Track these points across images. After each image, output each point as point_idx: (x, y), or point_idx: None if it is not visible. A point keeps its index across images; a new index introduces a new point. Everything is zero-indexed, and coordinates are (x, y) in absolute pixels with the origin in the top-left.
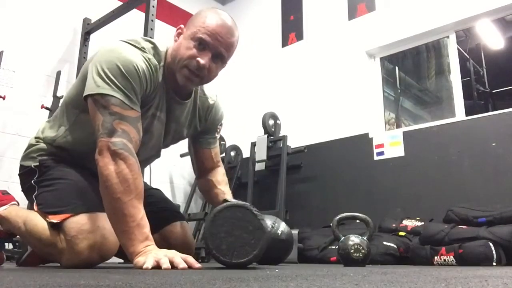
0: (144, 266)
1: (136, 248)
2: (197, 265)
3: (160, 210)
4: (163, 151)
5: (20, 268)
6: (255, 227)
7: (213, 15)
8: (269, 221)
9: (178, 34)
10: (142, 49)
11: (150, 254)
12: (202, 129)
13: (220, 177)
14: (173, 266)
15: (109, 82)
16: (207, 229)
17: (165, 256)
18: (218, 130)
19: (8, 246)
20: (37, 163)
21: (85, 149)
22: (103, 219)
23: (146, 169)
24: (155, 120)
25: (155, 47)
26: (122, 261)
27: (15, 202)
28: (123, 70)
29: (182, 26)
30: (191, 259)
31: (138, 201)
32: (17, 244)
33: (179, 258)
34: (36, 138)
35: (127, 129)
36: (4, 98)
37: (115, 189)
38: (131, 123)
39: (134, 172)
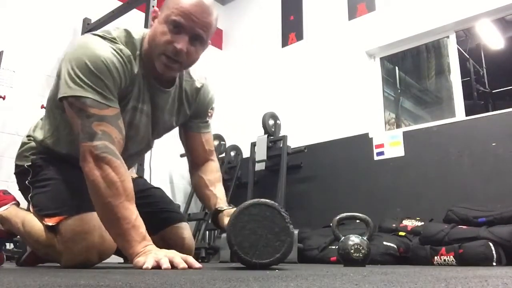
0: (144, 266)
1: (135, 249)
2: (197, 265)
3: (160, 210)
4: (163, 150)
5: (20, 268)
6: (281, 229)
7: None
8: None
9: (153, 18)
10: (112, 40)
11: (150, 254)
12: (192, 113)
13: (212, 176)
14: (173, 266)
15: (80, 83)
16: (231, 224)
17: (165, 256)
18: (210, 114)
19: (9, 246)
20: (30, 163)
21: (71, 149)
22: (99, 219)
23: (146, 169)
24: (138, 112)
25: (128, 35)
26: (122, 261)
27: (15, 202)
28: (91, 67)
29: (156, 9)
30: (191, 259)
31: (129, 202)
32: (17, 244)
33: (179, 258)
34: (27, 136)
35: (107, 130)
36: (4, 98)
37: (104, 194)
38: (110, 122)
39: (120, 175)
